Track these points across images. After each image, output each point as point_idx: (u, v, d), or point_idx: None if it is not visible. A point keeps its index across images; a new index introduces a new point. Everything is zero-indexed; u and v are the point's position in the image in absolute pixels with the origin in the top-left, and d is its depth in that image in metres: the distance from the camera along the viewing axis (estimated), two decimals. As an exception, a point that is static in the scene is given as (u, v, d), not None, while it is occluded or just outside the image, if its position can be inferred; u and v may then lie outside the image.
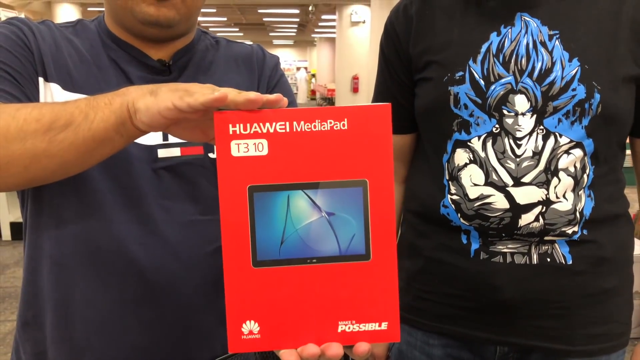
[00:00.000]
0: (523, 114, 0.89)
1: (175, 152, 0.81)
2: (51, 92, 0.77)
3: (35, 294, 0.82)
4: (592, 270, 0.93)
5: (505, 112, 0.90)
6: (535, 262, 0.92)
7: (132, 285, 0.79)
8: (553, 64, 0.89)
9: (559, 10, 0.91)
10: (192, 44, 0.89)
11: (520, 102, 0.89)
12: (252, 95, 0.52)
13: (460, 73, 0.92)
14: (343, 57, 13.93)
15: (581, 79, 0.88)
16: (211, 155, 0.84)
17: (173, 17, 0.79)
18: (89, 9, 15.83)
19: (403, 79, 1.03)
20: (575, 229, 0.91)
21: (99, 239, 0.78)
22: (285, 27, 23.39)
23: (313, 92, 22.32)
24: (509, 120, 0.90)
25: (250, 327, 0.54)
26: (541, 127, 0.89)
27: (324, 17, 16.77)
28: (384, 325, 0.55)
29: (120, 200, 0.77)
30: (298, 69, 31.34)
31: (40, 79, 0.77)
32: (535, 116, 0.89)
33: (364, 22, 13.34)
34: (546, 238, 0.91)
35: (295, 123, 0.52)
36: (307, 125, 0.52)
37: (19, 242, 4.35)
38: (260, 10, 16.84)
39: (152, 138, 0.80)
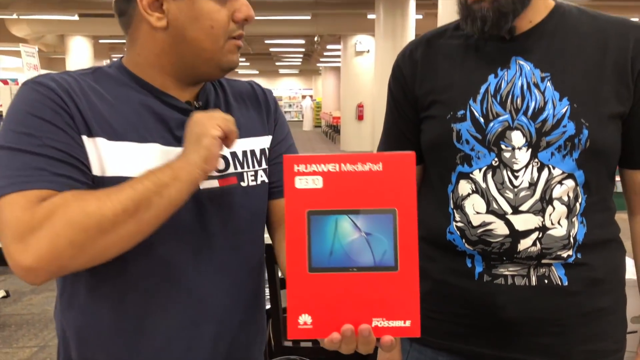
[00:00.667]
0: (519, 149, 0.99)
1: (214, 183, 0.89)
2: (97, 146, 0.80)
3: (97, 333, 0.84)
4: (586, 290, 1.01)
5: (503, 146, 0.99)
6: (534, 284, 1.00)
7: (191, 308, 0.87)
8: (545, 103, 0.99)
9: (549, 54, 1.01)
10: (207, 84, 0.96)
11: (517, 138, 0.99)
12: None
13: (462, 111, 1.02)
14: (348, 86, 14.17)
15: (571, 116, 0.97)
16: (242, 184, 0.93)
17: (238, 61, 0.92)
18: (100, 40, 16.23)
19: (410, 116, 1.13)
20: (570, 252, 0.99)
21: (158, 272, 0.84)
22: (291, 56, 23.81)
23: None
24: (507, 154, 0.99)
25: (305, 319, 0.68)
26: (536, 160, 0.98)
27: (329, 47, 17.10)
28: (408, 323, 0.69)
29: (169, 232, 0.82)
30: (303, 97, 31.76)
31: (84, 137, 0.79)
32: (530, 150, 0.98)
33: (368, 51, 13.62)
34: (543, 261, 0.99)
35: (343, 164, 0.68)
36: (352, 167, 0.68)
37: (34, 270, 4.45)
38: (267, 41, 17.21)
39: None
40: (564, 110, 0.98)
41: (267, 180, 0.98)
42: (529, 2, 1.00)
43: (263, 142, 0.99)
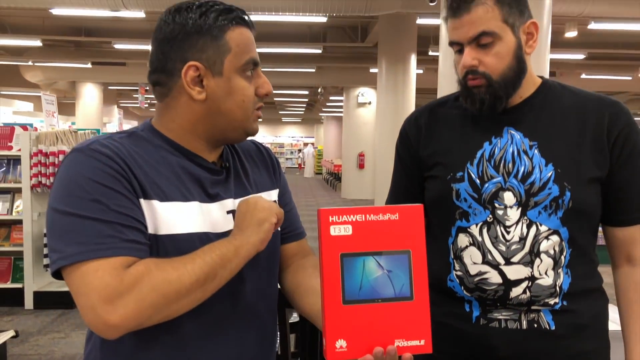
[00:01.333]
0: (511, 207, 1.13)
1: None
2: (152, 207, 0.90)
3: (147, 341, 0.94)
4: (572, 334, 1.13)
5: (496, 205, 1.14)
6: (525, 327, 1.13)
7: (227, 312, 0.98)
8: (533, 168, 1.14)
9: (536, 126, 1.17)
10: (225, 147, 1.08)
11: (508, 198, 1.14)
12: None
13: (460, 173, 1.18)
14: (350, 135, 14.43)
15: (555, 180, 1.12)
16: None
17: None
18: (109, 87, 16.67)
19: (415, 174, 1.28)
20: (557, 300, 1.12)
21: (205, 321, 0.96)
22: (294, 106, 24.34)
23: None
24: (500, 212, 1.14)
25: (341, 343, 0.82)
26: (525, 217, 1.13)
27: (332, 97, 17.53)
28: (423, 342, 0.84)
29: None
30: (305, 144, 32.23)
31: (141, 200, 0.89)
32: (520, 209, 1.13)
33: (369, 103, 13.95)
34: (533, 307, 1.12)
35: (368, 215, 0.83)
36: (375, 217, 0.83)
37: (41, 311, 4.50)
38: (273, 91, 17.66)
39: (227, 224, 0.98)
40: (549, 174, 1.13)
41: (279, 229, 1.08)
42: (520, 84, 1.16)
43: (273, 195, 1.12)
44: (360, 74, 13.05)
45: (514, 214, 1.13)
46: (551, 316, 1.13)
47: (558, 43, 9.76)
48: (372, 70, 11.39)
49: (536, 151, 1.15)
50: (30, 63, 12.12)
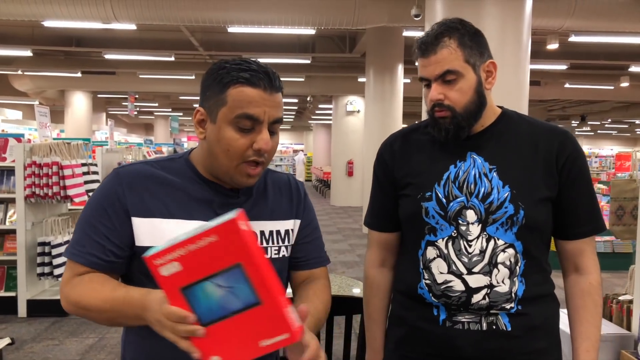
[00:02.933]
0: (472, 224, 1.28)
1: None
2: (153, 224, 1.09)
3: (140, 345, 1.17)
4: (526, 335, 1.28)
5: (460, 222, 1.29)
6: (485, 329, 1.27)
7: None
8: (492, 189, 1.29)
9: (496, 151, 1.33)
10: None
11: (470, 215, 1.29)
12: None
13: (429, 193, 1.33)
14: (338, 143, 14.58)
15: (511, 200, 1.27)
16: (266, 256, 1.14)
17: (254, 182, 1.14)
18: (98, 95, 16.69)
19: (390, 193, 1.43)
20: (512, 305, 1.28)
21: None
22: (284, 113, 24.46)
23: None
24: (463, 228, 1.29)
25: (215, 359, 0.87)
26: (485, 233, 1.28)
27: (320, 105, 17.70)
28: (286, 335, 0.86)
29: None
30: (294, 151, 32.38)
31: (135, 219, 1.09)
32: (480, 225, 1.28)
33: (358, 111, 14.13)
34: (492, 311, 1.27)
35: (188, 246, 0.83)
36: (195, 245, 0.83)
37: (35, 319, 4.59)
38: (260, 99, 17.77)
39: None
40: (505, 195, 1.28)
41: (287, 254, 1.22)
42: (481, 116, 1.32)
43: (289, 224, 1.24)
44: (349, 83, 13.24)
45: (475, 229, 1.28)
46: (508, 319, 1.28)
47: (541, 54, 10.04)
48: (361, 79, 11.58)
49: (495, 174, 1.30)
50: (19, 72, 12.15)
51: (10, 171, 4.66)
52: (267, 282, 0.84)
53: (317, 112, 19.38)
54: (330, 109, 16.19)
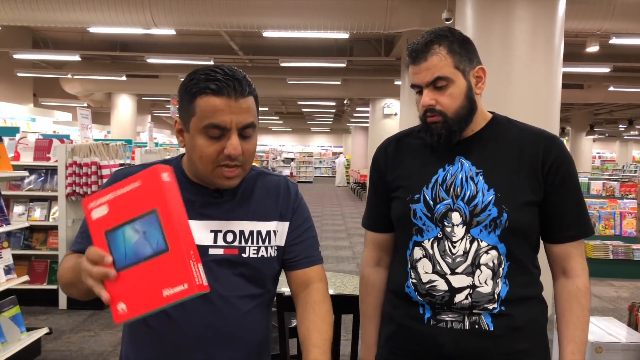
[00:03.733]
0: (457, 225, 1.33)
1: (220, 251, 1.20)
2: None
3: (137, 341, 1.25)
4: (508, 335, 1.31)
5: (446, 223, 1.33)
6: (467, 328, 1.31)
7: (196, 337, 1.17)
8: (477, 192, 1.33)
9: (483, 156, 1.36)
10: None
11: (456, 217, 1.33)
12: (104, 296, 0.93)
13: (417, 195, 1.37)
14: (376, 146, 14.53)
15: (495, 203, 1.31)
16: (243, 255, 1.21)
17: (234, 184, 1.20)
18: (143, 98, 17.26)
19: (383, 195, 1.49)
20: (495, 305, 1.31)
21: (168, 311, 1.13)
22: (322, 116, 24.63)
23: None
24: (448, 229, 1.33)
25: (122, 306, 0.91)
26: (469, 234, 1.32)
27: (358, 108, 17.73)
28: (186, 285, 0.88)
29: None
30: (334, 154, 32.50)
31: None
32: (465, 227, 1.32)
33: (395, 114, 14.10)
34: (474, 311, 1.31)
35: (117, 190, 0.91)
36: (122, 190, 0.91)
37: (74, 311, 4.83)
38: (299, 102, 17.98)
39: (205, 239, 1.18)
40: (490, 198, 1.32)
41: (268, 255, 1.25)
42: (472, 120, 1.36)
43: (271, 225, 1.27)
44: (385, 86, 13.22)
45: (459, 231, 1.32)
46: (490, 319, 1.31)
47: (583, 56, 9.77)
48: (397, 82, 11.56)
49: (481, 178, 1.34)
50: (69, 76, 12.73)
51: (54, 171, 4.93)
52: (177, 230, 0.89)
53: (355, 114, 19.41)
54: (367, 111, 16.20)
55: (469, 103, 1.34)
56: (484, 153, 1.36)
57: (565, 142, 20.32)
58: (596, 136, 22.40)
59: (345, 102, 17.50)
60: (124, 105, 15.38)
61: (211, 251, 1.20)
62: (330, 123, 27.88)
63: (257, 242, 1.25)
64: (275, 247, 1.28)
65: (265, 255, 1.25)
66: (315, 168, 31.99)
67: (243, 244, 1.23)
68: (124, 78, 12.77)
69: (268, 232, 1.27)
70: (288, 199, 1.32)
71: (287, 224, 1.31)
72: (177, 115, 1.23)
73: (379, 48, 11.10)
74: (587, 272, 1.38)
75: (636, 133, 23.23)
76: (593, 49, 7.63)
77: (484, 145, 1.37)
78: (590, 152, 20.23)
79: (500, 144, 1.37)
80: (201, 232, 1.20)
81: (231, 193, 1.25)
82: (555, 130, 4.71)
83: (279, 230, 1.29)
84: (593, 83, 12.41)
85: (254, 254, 1.24)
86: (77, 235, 1.26)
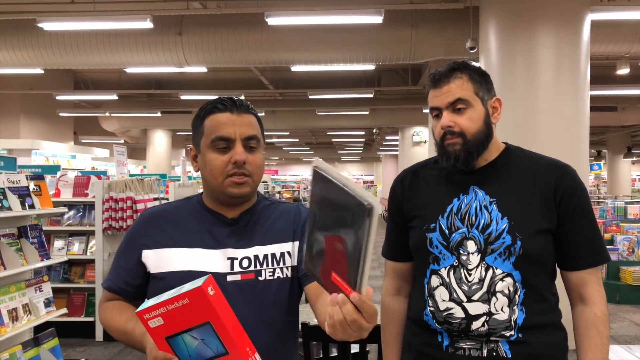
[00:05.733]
0: (472, 253, 1.36)
1: (237, 277, 1.26)
2: (158, 253, 1.28)
3: None
4: (526, 362, 1.32)
5: (461, 252, 1.37)
6: (485, 355, 1.33)
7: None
8: (491, 221, 1.36)
9: (496, 185, 1.40)
10: (255, 206, 1.35)
11: (471, 246, 1.36)
12: None
13: (433, 224, 1.41)
14: (406, 174, 14.51)
15: (509, 231, 1.34)
16: (260, 278, 1.27)
17: (247, 191, 1.28)
18: (177, 133, 17.73)
19: (401, 225, 1.53)
20: (512, 332, 1.32)
21: None
22: (352, 145, 24.76)
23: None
24: (464, 257, 1.36)
25: None
26: (484, 262, 1.34)
27: (387, 137, 17.79)
28: None
29: None
30: (365, 182, 32.50)
31: (145, 251, 1.29)
32: (480, 255, 1.35)
33: (425, 142, 14.08)
34: (492, 338, 1.33)
35: (167, 306, 1.00)
36: (173, 306, 1.00)
37: (109, 343, 4.94)
38: (329, 132, 18.17)
39: (223, 267, 1.25)
40: (504, 226, 1.35)
41: (284, 276, 1.29)
42: (488, 146, 1.41)
43: (286, 247, 1.32)
44: (414, 115, 13.26)
45: (475, 259, 1.35)
46: (508, 346, 1.33)
47: (615, 79, 9.64)
48: (425, 110, 11.59)
49: (495, 206, 1.37)
50: (107, 114, 13.25)
51: (91, 206, 5.13)
52: (231, 336, 1.01)
53: (384, 143, 19.47)
54: (397, 140, 16.23)
55: (486, 128, 1.38)
56: (498, 183, 1.40)
57: (602, 165, 19.83)
58: (634, 158, 21.78)
59: (374, 131, 17.59)
60: (159, 141, 15.83)
61: (229, 278, 1.26)
62: (360, 152, 27.97)
63: (272, 265, 1.29)
64: (290, 268, 1.31)
65: (282, 277, 1.29)
66: (347, 197, 31.88)
67: (258, 267, 1.28)
68: (158, 114, 13.20)
69: (282, 254, 1.31)
70: (299, 219, 1.37)
71: (294, 243, 1.34)
72: (191, 144, 1.35)
73: (406, 77, 11.21)
74: (605, 299, 1.38)
75: (677, 154, 22.46)
76: (624, 71, 7.53)
77: (497, 175, 1.41)
78: (629, 175, 19.65)
79: (512, 173, 1.41)
80: (219, 260, 1.27)
81: (245, 219, 1.33)
82: (585, 154, 4.66)
83: (293, 251, 1.33)
84: (627, 105, 12.17)
85: (270, 276, 1.28)
86: (110, 272, 1.37)
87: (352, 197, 0.78)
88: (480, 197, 1.39)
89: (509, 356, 1.32)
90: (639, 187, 24.39)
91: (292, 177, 32.58)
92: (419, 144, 14.39)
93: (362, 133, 18.66)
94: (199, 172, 1.34)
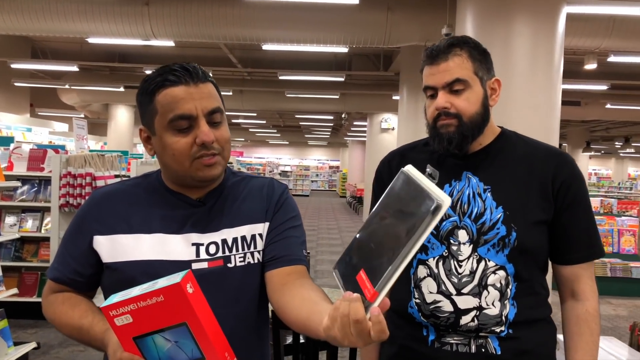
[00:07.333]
0: (464, 244, 1.27)
1: (204, 265, 1.12)
2: (115, 240, 1.12)
3: None
4: (516, 359, 1.25)
5: (451, 241, 1.28)
6: (474, 352, 1.25)
7: None
8: (485, 209, 1.28)
9: (491, 171, 1.31)
10: (222, 184, 1.20)
11: (462, 235, 1.28)
12: None
13: None
14: (372, 160, 14.52)
15: (503, 221, 1.26)
16: (229, 265, 1.13)
17: (219, 172, 1.13)
18: (140, 109, 17.17)
19: None
20: (502, 328, 1.25)
21: None
22: (320, 130, 24.66)
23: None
24: (454, 247, 1.28)
25: None
26: (476, 253, 1.26)
27: (355, 122, 17.74)
28: None
29: None
30: (330, 167, 32.51)
31: (97, 237, 1.13)
32: (472, 245, 1.26)
33: (393, 128, 14.08)
34: (481, 334, 1.25)
35: (138, 303, 0.88)
36: (145, 303, 0.88)
37: (63, 325, 4.73)
38: (297, 115, 17.98)
39: (187, 254, 1.11)
40: (498, 216, 1.26)
41: (255, 261, 1.16)
42: (484, 129, 1.31)
43: (258, 228, 1.18)
44: (383, 101, 13.23)
45: (466, 249, 1.27)
46: (497, 342, 1.25)
47: (580, 74, 9.79)
48: (395, 97, 11.56)
49: (489, 194, 1.28)
50: (67, 86, 12.68)
51: (47, 181, 4.86)
52: (209, 339, 0.89)
53: (352, 129, 19.42)
54: (365, 126, 16.20)
55: (484, 111, 1.29)
56: (492, 169, 1.31)
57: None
58: (592, 153, 22.44)
59: (343, 116, 17.50)
60: (121, 117, 15.32)
61: (195, 266, 1.12)
62: (327, 137, 27.88)
63: (243, 249, 1.16)
64: (261, 252, 1.18)
65: (252, 262, 1.16)
66: (312, 181, 31.92)
67: (227, 253, 1.15)
68: (121, 89, 12.72)
69: (253, 237, 1.18)
70: (271, 197, 1.23)
71: (266, 224, 1.20)
72: (141, 123, 1.16)
73: (378, 63, 11.12)
74: (597, 294, 1.32)
75: (632, 150, 23.31)
76: (591, 66, 7.64)
77: (492, 161, 1.32)
78: (586, 169, 20.26)
79: (508, 159, 1.32)
80: (182, 247, 1.13)
81: (212, 200, 1.18)
82: (555, 146, 4.65)
83: (264, 233, 1.20)
84: (590, 100, 12.44)
85: (240, 261, 1.15)
86: (56, 260, 1.20)
87: (426, 192, 0.80)
88: (473, 183, 1.30)
89: (498, 353, 1.25)
90: (595, 181, 25.22)
91: (257, 160, 32.25)
92: (387, 131, 14.38)
93: (331, 117, 18.55)
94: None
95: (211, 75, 1.15)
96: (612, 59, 7.31)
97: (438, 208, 0.76)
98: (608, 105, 12.46)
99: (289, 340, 2.62)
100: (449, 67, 1.26)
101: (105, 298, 0.98)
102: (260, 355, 1.21)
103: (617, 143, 22.46)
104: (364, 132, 17.71)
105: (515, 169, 1.31)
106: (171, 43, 7.68)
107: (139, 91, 1.13)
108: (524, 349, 1.26)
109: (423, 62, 1.32)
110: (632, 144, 20.19)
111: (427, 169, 0.95)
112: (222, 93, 1.19)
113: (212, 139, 1.08)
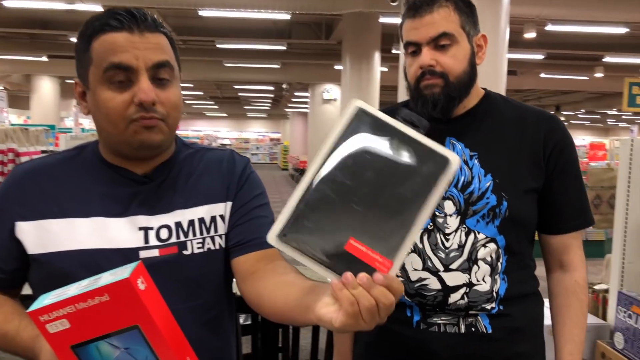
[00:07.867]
0: (450, 215, 1.16)
1: (155, 253, 0.95)
2: (42, 226, 0.93)
3: None
4: (508, 337, 1.17)
5: (437, 213, 1.16)
6: (463, 331, 1.16)
7: None
8: (472, 178, 1.17)
9: (477, 137, 1.20)
10: (173, 157, 1.02)
11: (448, 206, 1.16)
12: None
13: None
14: (315, 132, 14.43)
15: (493, 190, 1.15)
16: (185, 252, 0.97)
17: (160, 139, 0.93)
18: (66, 81, 16.19)
19: None
20: (493, 305, 1.16)
21: None
22: (259, 101, 24.22)
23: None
24: (440, 220, 1.16)
25: None
26: (464, 225, 1.15)
27: (297, 93, 17.52)
28: None
29: None
30: (271, 139, 32.19)
31: (20, 223, 0.93)
32: (459, 217, 1.16)
33: (335, 99, 14.00)
34: (471, 312, 1.15)
35: (77, 304, 0.72)
36: (85, 304, 0.72)
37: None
38: (235, 86, 17.52)
39: (133, 241, 0.94)
40: (487, 184, 1.16)
41: (216, 247, 1.00)
42: (470, 91, 1.19)
43: (219, 209, 1.01)
44: (325, 71, 13.08)
45: (453, 222, 1.16)
46: (488, 320, 1.16)
47: (518, 43, 9.98)
48: (337, 67, 11.42)
49: (476, 161, 1.17)
50: (-18, 55, 11.68)
51: (-36, 158, 4.40)
52: (169, 345, 0.76)
53: (293, 100, 19.19)
54: (307, 97, 16.02)
55: (471, 69, 1.17)
56: (479, 134, 1.20)
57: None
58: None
59: (283, 86, 17.20)
60: (45, 88, 14.35)
61: (143, 254, 0.94)
62: (267, 108, 27.47)
63: (201, 233, 0.99)
64: (224, 236, 1.02)
65: (213, 248, 1.00)
66: (252, 154, 31.52)
67: (182, 238, 0.97)
68: (44, 59, 11.87)
69: (213, 219, 1.01)
70: (233, 173, 1.05)
71: (228, 203, 1.03)
72: (76, 77, 0.96)
73: (319, 31, 10.90)
74: (585, 264, 1.25)
75: (563, 119, 24.47)
76: (530, 35, 7.79)
77: (477, 125, 1.21)
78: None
79: (496, 123, 1.21)
80: (127, 232, 0.95)
81: (160, 176, 1.00)
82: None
83: (226, 213, 1.03)
84: (526, 70, 12.82)
85: (198, 248, 0.98)
86: None
87: (425, 147, 0.70)
88: (458, 150, 1.19)
89: (490, 331, 1.16)
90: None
91: (194, 133, 31.37)
92: (329, 102, 14.27)
93: (271, 88, 18.20)
94: (91, 119, 0.97)
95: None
96: (549, 27, 7.47)
97: (449, 164, 0.69)
98: (542, 75, 12.90)
99: (246, 320, 2.48)
100: (434, 19, 1.12)
101: (35, 297, 0.78)
102: (228, 354, 1.06)
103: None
104: (306, 103, 17.54)
105: (503, 133, 1.20)
106: (99, 7, 7.14)
107: (78, 36, 0.95)
108: (515, 326, 1.18)
109: (403, 16, 1.18)
110: (563, 112, 21.17)
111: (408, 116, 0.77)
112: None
113: (153, 99, 0.90)
